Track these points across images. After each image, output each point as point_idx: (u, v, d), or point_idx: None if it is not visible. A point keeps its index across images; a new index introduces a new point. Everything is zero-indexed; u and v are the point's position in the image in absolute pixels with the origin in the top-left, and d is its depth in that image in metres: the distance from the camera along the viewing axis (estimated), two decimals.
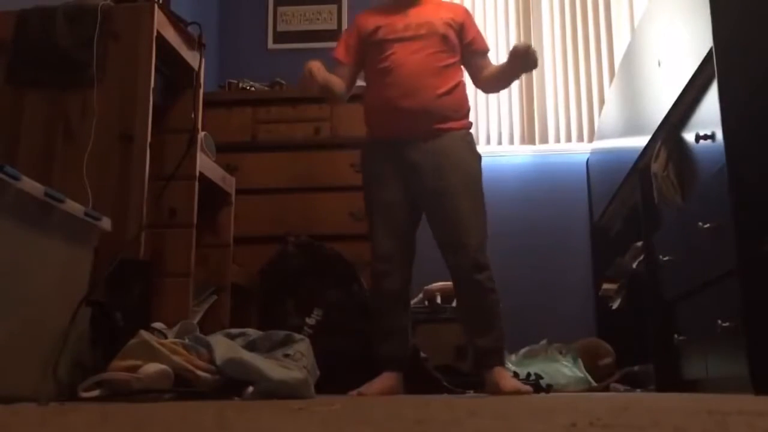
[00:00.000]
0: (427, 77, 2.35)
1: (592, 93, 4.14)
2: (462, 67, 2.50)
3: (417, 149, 2.35)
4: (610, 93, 3.56)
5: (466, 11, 2.57)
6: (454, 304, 3.30)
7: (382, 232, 2.37)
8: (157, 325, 1.79)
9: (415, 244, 2.44)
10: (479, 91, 3.00)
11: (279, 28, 4.38)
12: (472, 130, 2.48)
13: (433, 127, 2.35)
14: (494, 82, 2.48)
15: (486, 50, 2.53)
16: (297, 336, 1.93)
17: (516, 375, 2.91)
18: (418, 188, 2.37)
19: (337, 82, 2.43)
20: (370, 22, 2.47)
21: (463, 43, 2.47)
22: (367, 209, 2.45)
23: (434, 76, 2.36)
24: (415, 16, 2.43)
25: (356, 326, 2.71)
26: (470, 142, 2.43)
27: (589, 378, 3.06)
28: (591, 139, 4.03)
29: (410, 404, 1.39)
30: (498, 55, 4.19)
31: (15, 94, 2.16)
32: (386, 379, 2.32)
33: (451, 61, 2.42)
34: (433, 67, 2.37)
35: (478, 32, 2.52)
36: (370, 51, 2.45)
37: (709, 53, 2.01)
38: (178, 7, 2.48)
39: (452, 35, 2.43)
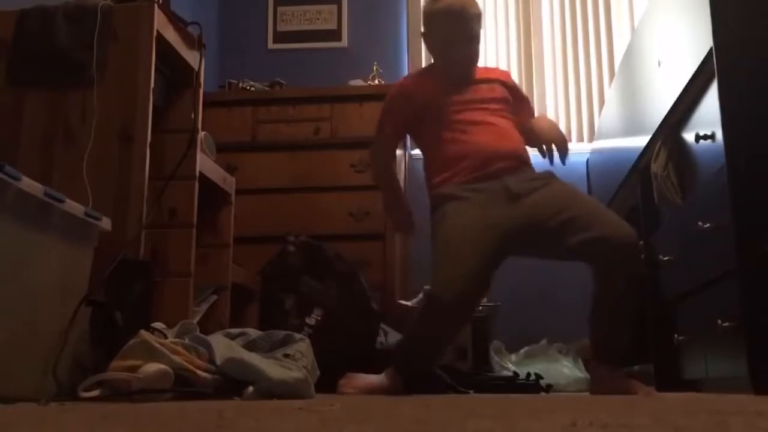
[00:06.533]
0: None
1: (592, 93, 4.14)
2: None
3: None
4: (610, 93, 3.56)
5: None
6: None
7: None
8: (157, 325, 1.79)
9: None
10: None
11: (279, 28, 4.38)
12: None
13: None
14: None
15: None
16: (297, 336, 1.93)
17: (516, 375, 2.91)
18: None
19: None
20: None
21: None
22: None
23: None
24: None
25: (356, 326, 2.71)
26: None
27: (590, 378, 3.06)
28: (591, 139, 4.03)
29: (410, 404, 1.39)
30: (498, 56, 4.20)
31: (15, 94, 2.15)
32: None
33: None
34: None
35: None
36: None
37: (709, 53, 2.01)
38: (178, 7, 2.48)
39: None
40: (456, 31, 2.33)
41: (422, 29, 2.45)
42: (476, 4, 2.40)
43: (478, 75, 2.45)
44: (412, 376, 2.26)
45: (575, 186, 2.30)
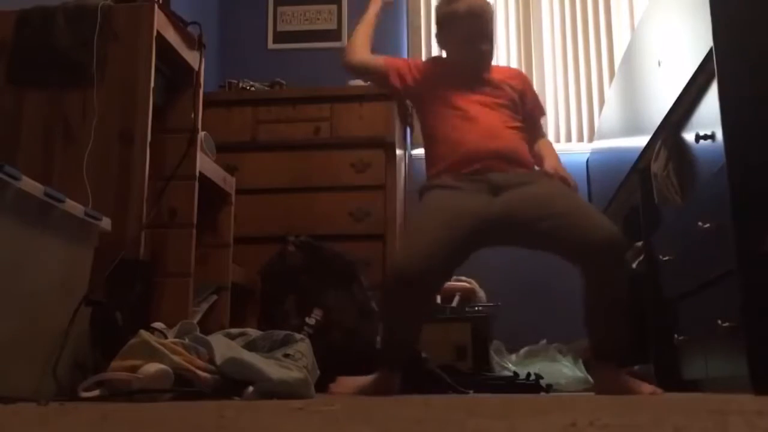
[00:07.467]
0: None
1: (592, 93, 4.14)
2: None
3: None
4: (610, 93, 3.56)
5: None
6: (454, 303, 3.30)
7: None
8: (157, 325, 1.79)
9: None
10: None
11: (279, 28, 4.38)
12: None
13: None
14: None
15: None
16: (297, 336, 1.93)
17: (516, 375, 2.91)
18: None
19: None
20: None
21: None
22: None
23: None
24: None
25: (356, 326, 2.71)
26: None
27: (590, 378, 3.06)
28: (591, 139, 4.03)
29: (410, 404, 1.39)
30: (498, 56, 4.20)
31: (15, 94, 2.15)
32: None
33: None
34: None
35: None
36: None
37: (709, 53, 2.01)
38: (178, 7, 2.48)
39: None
40: (476, 30, 2.45)
41: (436, 29, 2.56)
42: (490, 5, 2.53)
43: (490, 75, 2.52)
44: (393, 364, 2.24)
45: (562, 186, 2.27)
